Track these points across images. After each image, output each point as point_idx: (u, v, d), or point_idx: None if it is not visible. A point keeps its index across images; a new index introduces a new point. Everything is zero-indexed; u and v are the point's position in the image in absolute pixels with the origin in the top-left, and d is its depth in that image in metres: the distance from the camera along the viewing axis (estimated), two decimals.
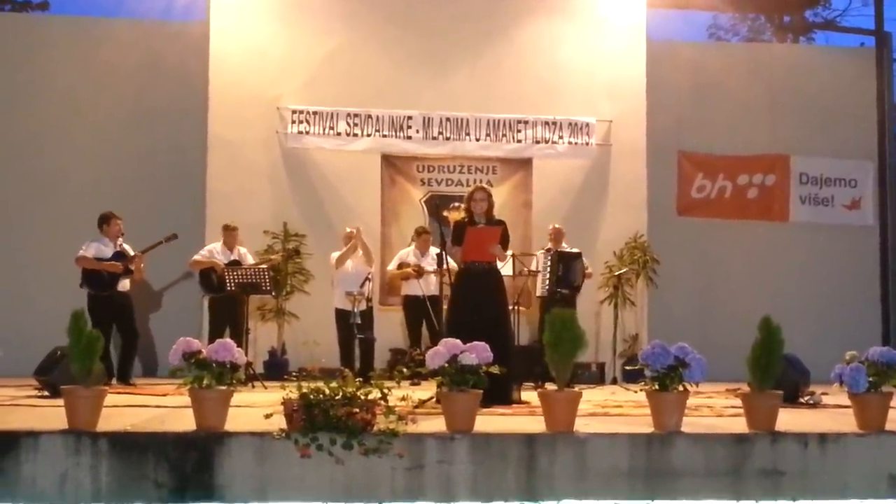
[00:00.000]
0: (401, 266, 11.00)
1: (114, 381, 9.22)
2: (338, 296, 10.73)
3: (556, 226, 11.23)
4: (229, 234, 10.66)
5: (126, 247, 9.98)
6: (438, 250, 8.65)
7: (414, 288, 10.63)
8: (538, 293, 10.89)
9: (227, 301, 10.27)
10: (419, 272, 10.60)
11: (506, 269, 8.91)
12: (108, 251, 9.85)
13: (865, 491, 5.07)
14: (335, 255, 10.87)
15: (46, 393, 7.86)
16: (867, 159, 14.07)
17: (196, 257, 10.55)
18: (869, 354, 5.56)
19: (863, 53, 15.20)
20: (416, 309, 10.66)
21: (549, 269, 10.70)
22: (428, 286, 10.55)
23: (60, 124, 12.41)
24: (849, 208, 14.02)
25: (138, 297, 10.55)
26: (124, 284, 9.92)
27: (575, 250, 10.95)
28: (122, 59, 12.57)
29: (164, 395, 8.00)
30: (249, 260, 10.71)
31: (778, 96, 13.87)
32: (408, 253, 11.12)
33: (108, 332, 9.36)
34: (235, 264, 10.39)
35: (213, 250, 10.59)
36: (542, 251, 11.00)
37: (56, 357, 7.96)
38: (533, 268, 10.86)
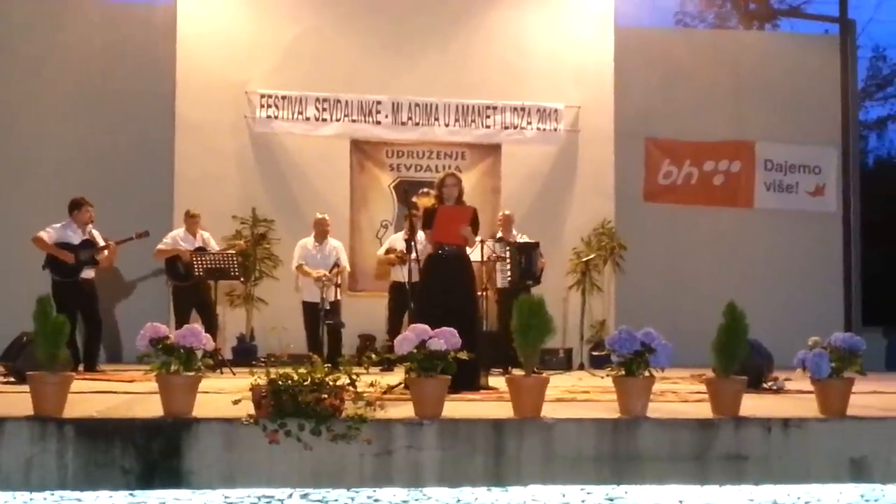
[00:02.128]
0: (388, 251, 10.92)
1: (80, 368, 9.15)
2: (304, 290, 10.67)
3: (507, 212, 11.03)
4: (191, 221, 10.55)
5: (95, 233, 9.87)
6: (406, 237, 8.55)
7: (401, 274, 10.45)
8: (500, 284, 10.44)
9: (192, 288, 10.21)
10: (403, 258, 10.43)
11: (475, 254, 8.89)
12: (76, 238, 9.69)
13: (827, 475, 5.14)
14: (297, 253, 10.69)
15: (12, 379, 7.79)
16: (831, 146, 14.21)
17: (160, 246, 10.43)
18: (831, 340, 5.62)
19: (827, 40, 15.34)
20: (401, 295, 10.49)
21: (508, 260, 10.44)
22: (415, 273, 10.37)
23: (24, 106, 12.28)
24: (812, 195, 14.17)
25: (104, 284, 10.46)
26: (88, 273, 9.79)
27: (524, 239, 10.65)
28: (88, 41, 12.47)
29: (131, 382, 7.96)
30: (213, 244, 10.60)
31: (743, 83, 13.99)
32: (397, 238, 11.03)
33: (74, 318, 9.24)
34: (201, 251, 10.32)
35: (177, 237, 10.48)
36: (493, 240, 10.40)
37: (22, 343, 7.88)
38: (484, 257, 10.42)
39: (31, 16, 12.55)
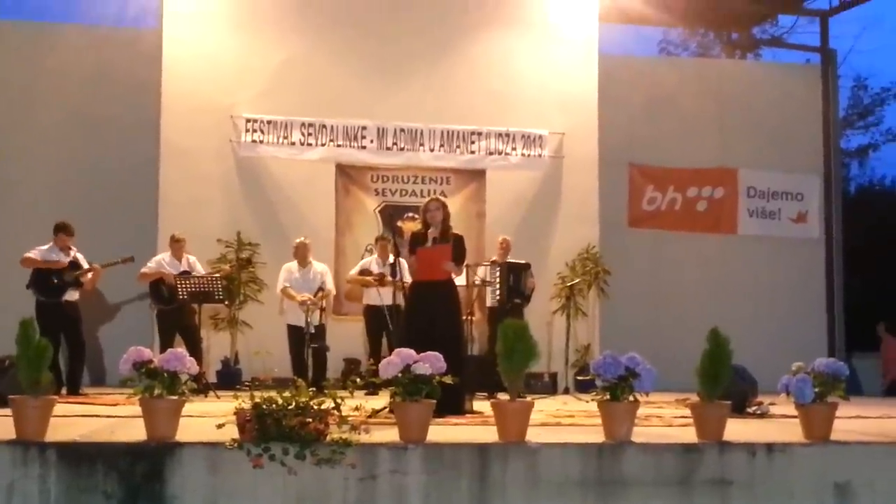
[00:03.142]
0: (362, 273, 10.91)
1: (63, 391, 9.10)
2: (288, 313, 10.64)
3: (506, 238, 11.23)
4: (176, 246, 10.53)
5: (79, 256, 9.84)
6: (393, 259, 8.58)
7: (375, 297, 10.49)
8: (489, 304, 10.85)
9: (176, 312, 10.18)
10: (381, 281, 10.45)
11: (459, 279, 8.93)
12: (61, 260, 9.67)
13: (811, 500, 5.14)
14: (282, 276, 10.64)
15: None
16: (813, 173, 14.34)
17: (144, 269, 10.41)
18: (815, 365, 5.64)
19: (809, 70, 15.51)
20: (376, 319, 10.50)
21: (498, 280, 10.64)
22: (388, 296, 10.41)
23: (10, 130, 12.29)
24: (795, 221, 14.28)
25: (88, 306, 10.41)
26: (72, 294, 9.76)
27: (522, 261, 10.95)
28: (74, 66, 12.49)
29: (115, 405, 7.91)
30: (199, 268, 10.59)
31: (727, 111, 14.12)
32: (370, 262, 11.05)
33: (57, 340, 9.18)
34: (185, 274, 10.30)
35: (162, 261, 10.45)
36: (488, 263, 10.90)
37: (4, 366, 7.82)
38: (478, 280, 10.72)
39: (18, 40, 12.57)
